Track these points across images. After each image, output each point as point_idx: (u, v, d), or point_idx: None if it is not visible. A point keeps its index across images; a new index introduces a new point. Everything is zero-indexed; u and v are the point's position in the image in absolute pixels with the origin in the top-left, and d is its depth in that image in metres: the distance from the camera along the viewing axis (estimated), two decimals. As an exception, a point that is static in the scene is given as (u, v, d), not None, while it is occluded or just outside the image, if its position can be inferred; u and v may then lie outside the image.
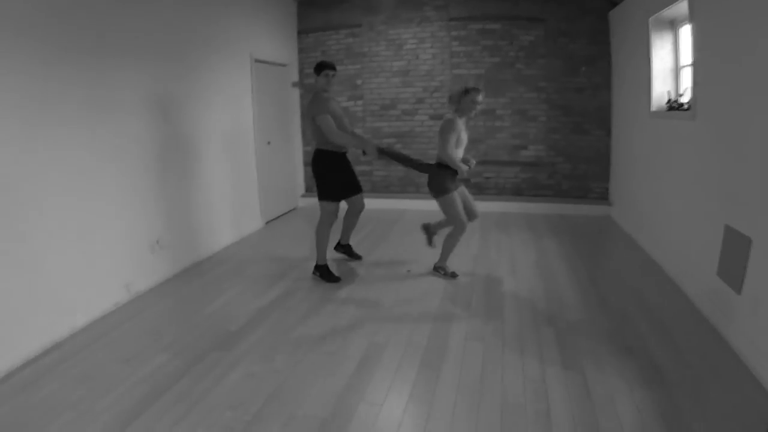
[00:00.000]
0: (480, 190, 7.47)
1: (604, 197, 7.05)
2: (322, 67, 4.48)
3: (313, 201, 6.36)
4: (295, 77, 8.06)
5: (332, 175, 4.62)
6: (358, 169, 5.63)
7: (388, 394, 2.85)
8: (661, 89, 4.95)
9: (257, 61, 6.86)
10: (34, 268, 3.46)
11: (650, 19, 4.89)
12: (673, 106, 4.62)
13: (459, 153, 4.45)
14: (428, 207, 6.40)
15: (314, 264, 4.78)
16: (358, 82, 7.85)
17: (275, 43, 7.39)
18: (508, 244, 5.74)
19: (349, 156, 4.82)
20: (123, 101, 4.36)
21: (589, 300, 4.10)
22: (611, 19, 6.54)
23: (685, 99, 4.53)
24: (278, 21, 7.51)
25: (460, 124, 4.37)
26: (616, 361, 3.11)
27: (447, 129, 4.32)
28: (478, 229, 6.23)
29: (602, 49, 6.71)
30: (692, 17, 3.95)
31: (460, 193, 4.55)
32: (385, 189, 7.98)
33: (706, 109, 3.73)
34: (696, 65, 3.92)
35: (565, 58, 6.89)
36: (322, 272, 4.69)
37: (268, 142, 7.32)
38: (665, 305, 3.95)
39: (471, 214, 4.64)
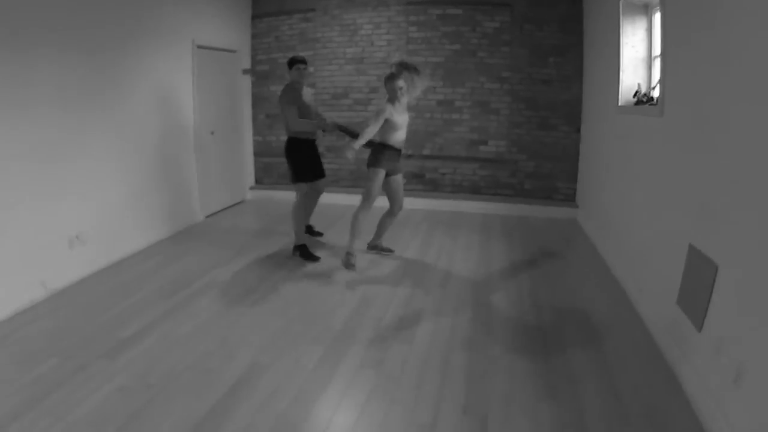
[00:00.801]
0: (435, 186, 6.94)
1: (570, 199, 6.48)
2: (293, 62, 4.82)
3: (263, 193, 7.66)
4: (247, 64, 7.47)
5: (303, 160, 4.94)
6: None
7: (247, 428, 2.45)
8: (630, 81, 4.38)
9: (200, 47, 6.28)
10: None
11: (621, 1, 4.35)
12: (642, 100, 4.08)
13: (399, 135, 4.53)
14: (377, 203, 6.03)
15: (293, 245, 5.03)
16: (311, 69, 7.26)
17: (224, 29, 6.83)
18: (450, 247, 5.22)
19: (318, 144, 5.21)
20: (43, 94, 4.13)
21: (521, 320, 3.56)
22: (585, 3, 5.96)
23: (656, 93, 4.04)
24: (229, 5, 6.95)
25: (391, 109, 4.41)
26: (532, 409, 2.55)
27: (378, 113, 4.42)
28: (424, 229, 5.77)
29: (573, 38, 6.13)
30: (662, 2, 3.44)
31: (393, 181, 4.65)
32: (335, 183, 7.42)
33: (675, 105, 3.15)
34: (664, 56, 3.40)
35: (532, 46, 6.29)
36: (302, 251, 4.94)
37: (212, 132, 6.76)
38: (613, 330, 3.39)
39: (395, 204, 4.78)
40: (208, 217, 6.67)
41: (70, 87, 4.43)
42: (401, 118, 4.47)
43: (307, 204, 5.17)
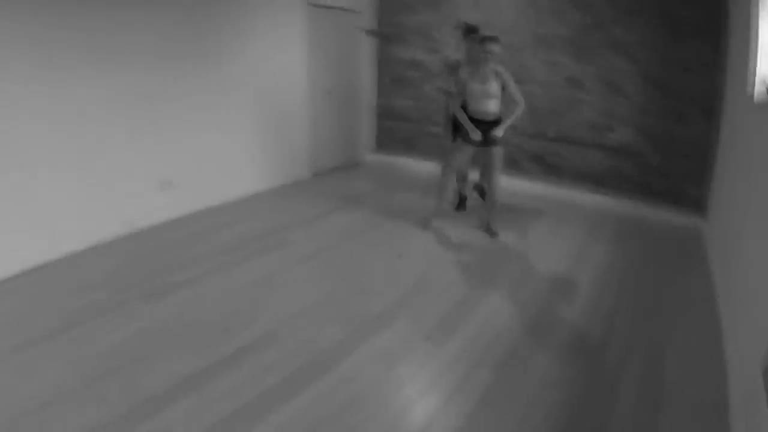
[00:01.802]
0: (554, 172, 6.36)
1: (699, 207, 5.50)
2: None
3: (383, 158, 7.71)
4: (372, 24, 7.36)
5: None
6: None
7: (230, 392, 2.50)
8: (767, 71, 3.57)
9: (312, 4, 6.27)
10: (32, 195, 3.81)
11: None
12: None
13: (475, 105, 4.55)
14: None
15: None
16: (435, 34, 6.97)
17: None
18: (545, 242, 4.71)
19: None
20: (142, 41, 4.42)
21: (585, 346, 3.03)
22: None
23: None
24: None
25: (468, 76, 4.51)
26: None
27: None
28: (525, 219, 5.27)
29: (718, 17, 5.06)
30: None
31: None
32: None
33: None
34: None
35: (671, 23, 5.35)
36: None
37: (329, 92, 6.80)
38: (686, 382, 2.70)
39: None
40: (316, 175, 6.77)
41: (171, 35, 4.68)
42: (478, 87, 4.51)
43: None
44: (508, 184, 6.28)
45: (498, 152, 4.67)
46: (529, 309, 3.42)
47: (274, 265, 4.00)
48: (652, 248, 4.76)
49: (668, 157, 5.62)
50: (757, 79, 3.56)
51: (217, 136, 5.34)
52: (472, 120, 4.57)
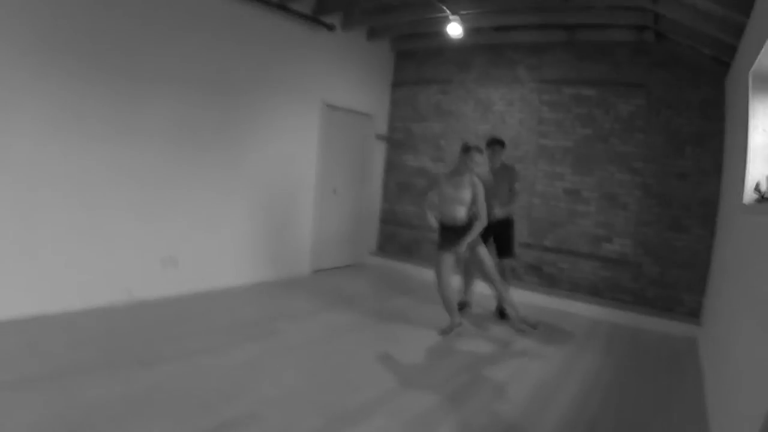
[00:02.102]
0: (552, 282, 6.29)
1: (695, 314, 5.37)
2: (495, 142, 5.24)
3: (384, 261, 7.62)
4: (383, 129, 7.65)
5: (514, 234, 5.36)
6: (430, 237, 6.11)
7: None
8: (760, 173, 3.57)
9: (330, 106, 6.58)
10: (41, 249, 4.04)
11: (750, 71, 3.58)
12: (765, 196, 3.27)
13: (443, 208, 4.54)
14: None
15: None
16: (442, 142, 7.20)
17: (359, 92, 7.15)
18: (534, 350, 4.47)
19: None
20: (159, 125, 4.76)
21: None
22: (728, 87, 5.08)
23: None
24: (368, 71, 7.31)
25: (444, 179, 4.57)
26: None
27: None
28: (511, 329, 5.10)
29: (715, 126, 5.26)
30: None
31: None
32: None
33: None
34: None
35: (668, 134, 5.55)
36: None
37: (334, 190, 6.94)
38: None
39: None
40: (316, 272, 6.75)
41: (192, 120, 5.01)
42: (451, 191, 4.48)
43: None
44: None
45: (483, 253, 4.61)
46: (510, 415, 3.21)
47: (261, 350, 3.86)
48: (643, 357, 4.56)
49: (666, 266, 5.58)
50: (747, 183, 3.57)
51: (225, 222, 5.48)
52: (442, 226, 4.57)
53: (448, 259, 4.54)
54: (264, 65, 5.68)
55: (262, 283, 5.90)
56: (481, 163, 4.51)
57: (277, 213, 6.07)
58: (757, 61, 3.52)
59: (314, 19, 6.12)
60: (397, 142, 7.66)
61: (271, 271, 6.08)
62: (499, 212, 4.97)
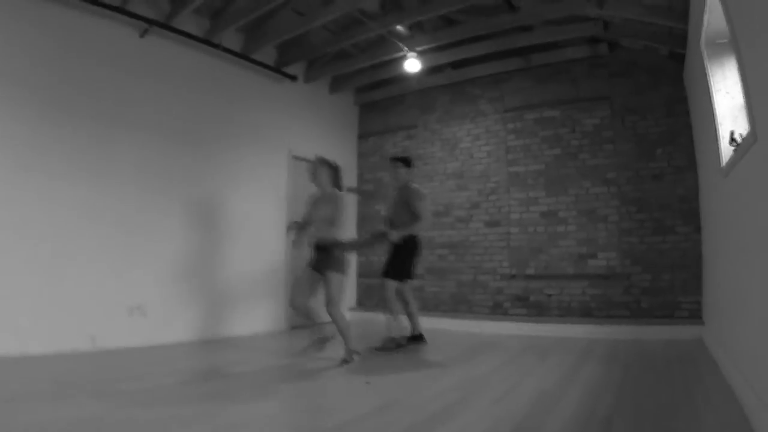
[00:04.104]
0: (541, 310, 5.99)
1: (695, 315, 5.08)
2: (411, 161, 5.12)
3: (363, 315, 7.04)
4: (352, 181, 7.55)
5: (414, 259, 4.91)
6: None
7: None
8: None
9: (296, 157, 6.49)
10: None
11: (701, 42, 3.60)
12: (740, 141, 3.14)
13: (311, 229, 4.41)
14: (479, 329, 5.99)
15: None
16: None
17: (327, 145, 7.09)
18: (531, 367, 4.08)
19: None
20: (123, 171, 4.69)
21: None
22: (687, 81, 5.13)
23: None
24: (333, 123, 7.36)
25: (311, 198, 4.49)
26: None
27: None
28: (508, 354, 4.70)
29: (682, 122, 5.25)
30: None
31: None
32: (435, 307, 6.79)
33: None
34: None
35: (637, 139, 5.53)
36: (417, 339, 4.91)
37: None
38: None
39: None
40: (294, 328, 6.34)
41: (153, 169, 4.92)
42: (313, 211, 4.38)
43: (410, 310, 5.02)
44: (493, 328, 5.89)
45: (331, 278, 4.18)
46: (513, 418, 2.81)
47: (228, 388, 3.45)
48: (650, 361, 4.18)
49: (657, 272, 5.34)
50: (722, 145, 3.48)
51: (193, 273, 5.22)
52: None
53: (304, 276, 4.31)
54: (229, 115, 5.69)
55: (238, 337, 5.48)
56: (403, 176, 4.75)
57: (249, 266, 5.77)
58: (704, 28, 3.57)
59: (277, 70, 6.18)
60: (367, 193, 7.56)
61: (246, 325, 5.68)
62: (393, 235, 4.64)
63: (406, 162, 5.03)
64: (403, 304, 4.84)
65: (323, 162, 4.37)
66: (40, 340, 4.01)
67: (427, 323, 6.39)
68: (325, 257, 4.15)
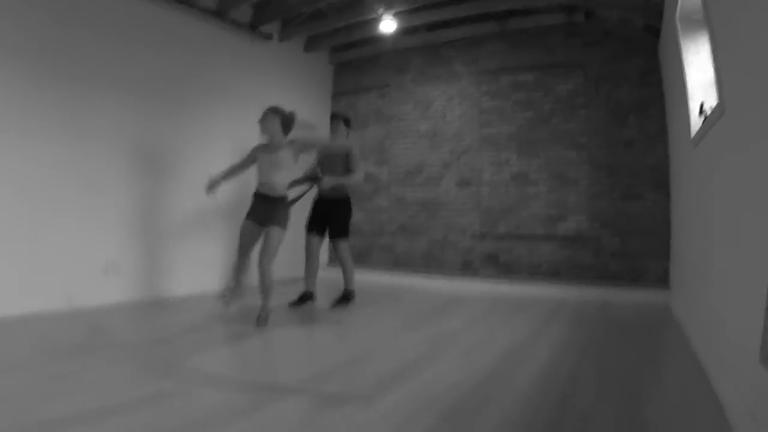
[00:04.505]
0: (509, 269, 6.20)
1: (663, 280, 5.34)
2: (351, 122, 5.18)
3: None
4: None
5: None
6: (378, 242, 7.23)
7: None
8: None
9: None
10: None
11: (676, 15, 3.72)
12: (708, 113, 3.29)
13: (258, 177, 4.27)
14: (449, 287, 6.24)
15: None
16: (386, 144, 7.15)
17: (303, 103, 7.01)
18: (500, 324, 4.27)
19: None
20: (98, 128, 4.62)
21: (548, 393, 2.57)
22: (661, 54, 5.26)
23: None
24: (311, 82, 7.38)
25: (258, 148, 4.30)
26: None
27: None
28: (478, 310, 4.91)
29: (654, 92, 5.40)
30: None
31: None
32: (407, 265, 6.94)
33: (739, 101, 2.42)
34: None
35: (609, 106, 5.66)
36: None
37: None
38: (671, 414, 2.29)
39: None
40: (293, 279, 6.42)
41: (130, 128, 4.89)
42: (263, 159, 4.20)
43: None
44: (464, 287, 6.08)
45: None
46: (483, 369, 2.94)
47: (199, 344, 3.49)
48: (616, 322, 4.43)
49: (625, 237, 5.56)
50: (692, 117, 3.63)
51: (168, 230, 5.26)
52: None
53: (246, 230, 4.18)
54: (202, 74, 5.59)
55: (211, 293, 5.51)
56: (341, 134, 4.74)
57: (225, 221, 5.74)
58: (679, 3, 3.66)
59: (252, 29, 6.06)
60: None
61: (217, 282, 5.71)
62: (327, 181, 4.61)
63: (347, 122, 5.04)
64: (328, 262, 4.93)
65: (275, 111, 4.18)
66: (15, 301, 3.98)
67: (398, 281, 6.62)
68: (272, 211, 4.06)
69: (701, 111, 3.44)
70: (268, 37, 6.27)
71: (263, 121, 4.18)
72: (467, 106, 6.54)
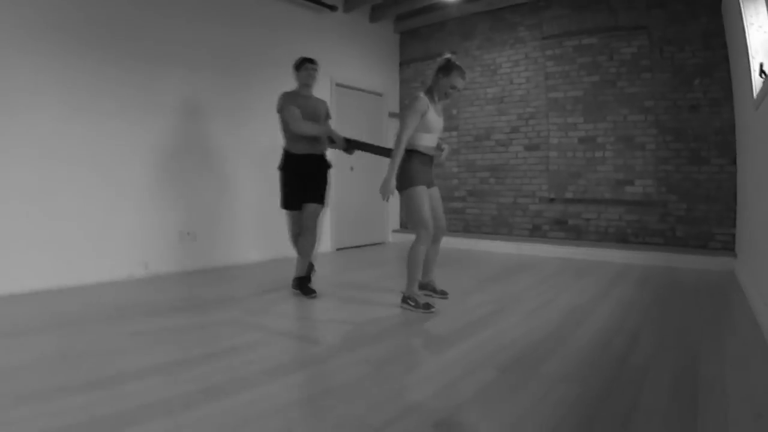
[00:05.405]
0: (578, 233, 6.30)
1: (729, 247, 5.33)
2: (302, 62, 4.18)
3: (407, 237, 7.06)
4: (395, 108, 7.76)
5: (290, 180, 4.11)
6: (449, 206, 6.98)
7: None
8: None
9: (339, 85, 6.74)
10: (61, 225, 4.27)
11: None
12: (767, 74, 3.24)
13: (428, 140, 3.65)
14: (518, 250, 6.45)
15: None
16: (454, 111, 7.29)
17: (369, 72, 7.32)
18: (564, 286, 4.49)
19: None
20: (168, 104, 4.99)
21: (606, 349, 2.77)
22: (725, 13, 5.06)
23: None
24: (375, 51, 7.52)
25: (429, 105, 3.55)
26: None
27: (409, 109, 3.55)
28: (544, 273, 5.11)
29: (719, 55, 5.25)
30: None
31: (431, 198, 3.77)
32: (476, 229, 7.17)
33: None
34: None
35: (674, 69, 5.55)
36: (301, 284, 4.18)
37: (351, 168, 7.05)
38: (726, 378, 2.37)
39: (436, 227, 3.81)
40: (338, 250, 6.84)
41: (197, 104, 5.22)
42: (436, 122, 3.65)
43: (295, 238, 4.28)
44: (532, 250, 6.24)
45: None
46: (545, 327, 3.22)
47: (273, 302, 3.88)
48: (681, 287, 4.50)
49: (692, 202, 5.54)
50: (755, 78, 3.58)
51: (240, 200, 5.66)
52: (425, 156, 3.74)
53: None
54: (270, 47, 5.87)
55: (283, 259, 5.85)
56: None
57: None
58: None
59: (317, 1, 6.29)
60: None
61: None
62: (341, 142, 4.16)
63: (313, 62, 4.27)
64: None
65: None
66: (96, 270, 4.47)
67: (468, 244, 6.88)
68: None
69: (762, 72, 3.41)
70: (333, 8, 6.50)
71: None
72: (533, 70, 6.56)
